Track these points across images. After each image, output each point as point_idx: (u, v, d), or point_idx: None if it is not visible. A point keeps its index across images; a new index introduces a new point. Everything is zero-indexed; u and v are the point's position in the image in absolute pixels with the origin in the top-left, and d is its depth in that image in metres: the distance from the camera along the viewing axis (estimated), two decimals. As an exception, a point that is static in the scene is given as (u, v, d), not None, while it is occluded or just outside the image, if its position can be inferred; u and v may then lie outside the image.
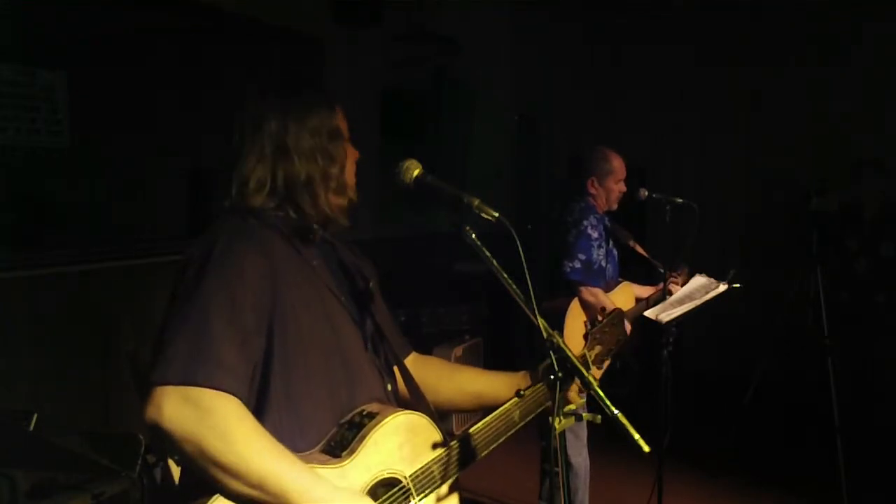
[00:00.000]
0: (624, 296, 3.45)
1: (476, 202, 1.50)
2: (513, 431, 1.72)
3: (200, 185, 4.10)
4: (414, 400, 1.67)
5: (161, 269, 3.79)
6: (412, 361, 1.80)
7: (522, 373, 1.82)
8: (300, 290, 1.48)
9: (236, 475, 1.27)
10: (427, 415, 1.59)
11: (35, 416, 2.56)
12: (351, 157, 1.62)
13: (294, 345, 1.43)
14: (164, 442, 1.28)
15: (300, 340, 1.44)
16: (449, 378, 1.83)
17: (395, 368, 1.70)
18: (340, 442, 1.45)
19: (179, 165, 4.08)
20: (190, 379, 1.27)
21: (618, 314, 1.98)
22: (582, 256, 3.19)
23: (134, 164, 3.83)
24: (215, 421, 1.26)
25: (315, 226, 1.56)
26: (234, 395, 1.31)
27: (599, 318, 1.92)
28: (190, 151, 4.02)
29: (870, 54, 5.91)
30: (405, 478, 1.50)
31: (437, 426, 1.59)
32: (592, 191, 3.39)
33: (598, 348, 1.93)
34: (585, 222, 3.25)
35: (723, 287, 3.35)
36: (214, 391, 1.28)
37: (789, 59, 6.23)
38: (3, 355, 3.17)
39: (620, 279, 3.52)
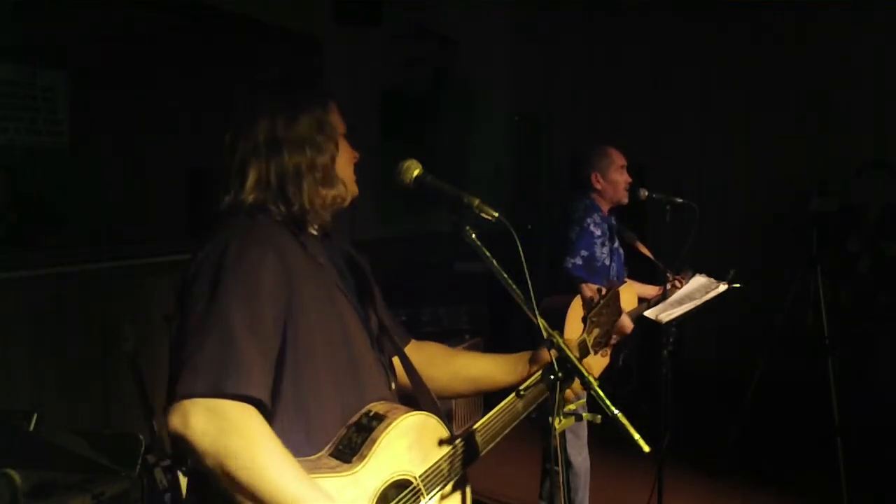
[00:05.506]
0: (627, 295, 3.44)
1: (476, 202, 1.50)
2: (517, 421, 1.72)
3: (200, 185, 4.10)
4: (415, 390, 1.66)
5: (161, 269, 3.79)
6: (410, 348, 1.79)
7: (519, 354, 1.81)
8: (311, 288, 1.46)
9: (251, 495, 1.27)
10: (431, 407, 1.58)
11: (35, 416, 2.56)
12: (350, 156, 1.61)
13: (305, 345, 1.42)
14: (187, 453, 1.28)
15: (311, 340, 1.43)
16: (445, 363, 1.82)
17: (397, 359, 1.69)
18: (349, 446, 1.43)
19: (179, 165, 4.08)
20: (218, 390, 1.27)
21: (614, 293, 1.96)
22: (584, 253, 3.18)
23: (134, 164, 3.83)
24: (238, 436, 1.26)
25: (308, 219, 1.54)
26: (260, 405, 1.31)
27: (596, 299, 1.92)
28: (190, 151, 4.01)
29: (871, 54, 5.91)
30: (415, 478, 1.49)
31: (444, 422, 1.58)
32: (598, 186, 3.36)
33: (596, 331, 1.92)
34: (588, 220, 3.24)
35: (723, 287, 3.34)
36: (241, 404, 1.28)
37: (790, 58, 6.23)
38: (3, 355, 3.18)
39: (626, 279, 3.51)
